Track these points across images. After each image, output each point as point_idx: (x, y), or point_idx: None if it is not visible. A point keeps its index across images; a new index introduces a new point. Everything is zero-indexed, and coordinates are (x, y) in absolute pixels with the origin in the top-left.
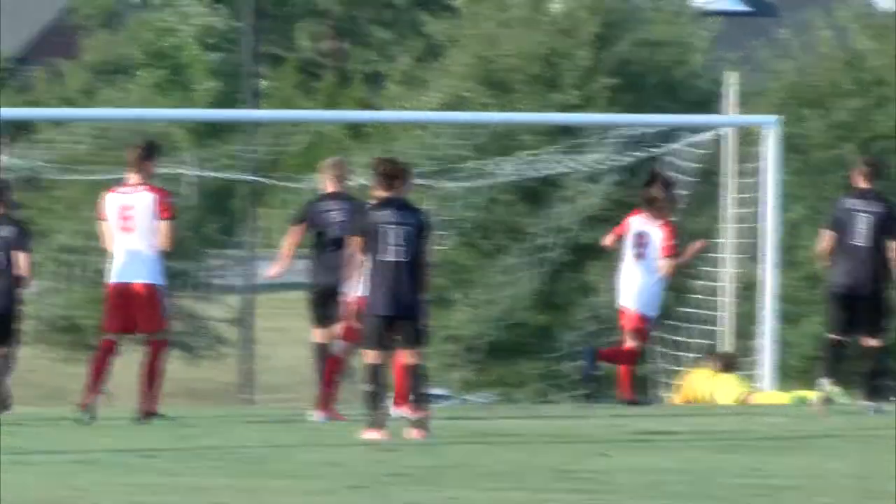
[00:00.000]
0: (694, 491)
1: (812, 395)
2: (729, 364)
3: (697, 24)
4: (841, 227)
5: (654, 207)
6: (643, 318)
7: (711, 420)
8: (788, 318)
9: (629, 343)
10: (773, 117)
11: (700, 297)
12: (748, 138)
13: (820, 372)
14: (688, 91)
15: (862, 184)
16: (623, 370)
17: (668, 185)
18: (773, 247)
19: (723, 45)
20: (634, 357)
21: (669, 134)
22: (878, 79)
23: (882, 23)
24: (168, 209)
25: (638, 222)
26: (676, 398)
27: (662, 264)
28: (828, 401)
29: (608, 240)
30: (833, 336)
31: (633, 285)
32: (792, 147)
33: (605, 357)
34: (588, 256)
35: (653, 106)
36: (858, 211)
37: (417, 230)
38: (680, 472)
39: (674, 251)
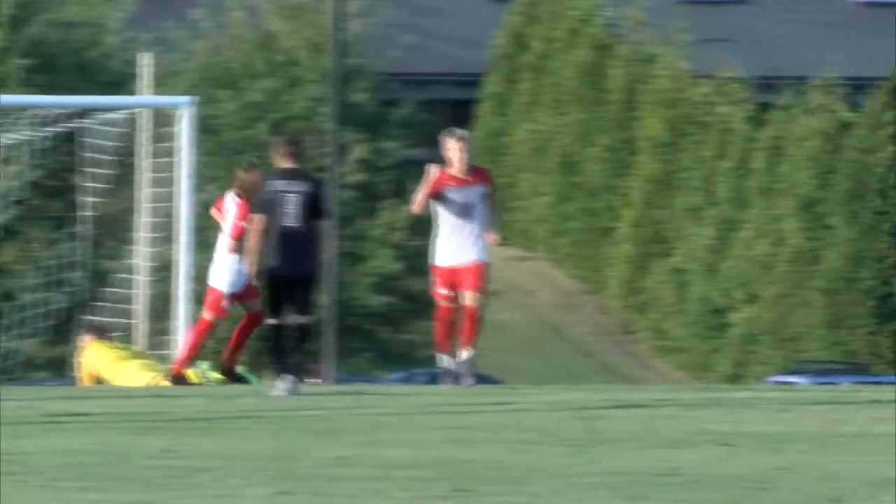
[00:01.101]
0: (111, 472)
1: (214, 375)
2: (101, 334)
3: (111, 4)
4: (271, 209)
5: (244, 190)
6: (217, 294)
7: (126, 402)
8: (201, 299)
9: (204, 316)
10: (187, 98)
11: (117, 277)
12: (163, 119)
13: (266, 355)
14: (102, 71)
15: (286, 163)
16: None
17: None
18: (187, 228)
19: (137, 26)
20: (206, 329)
21: (84, 114)
22: (290, 60)
23: (295, 3)
24: None
25: (228, 202)
26: (83, 378)
27: (229, 243)
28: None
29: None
30: (272, 319)
31: (216, 261)
32: (205, 128)
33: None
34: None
35: (67, 87)
36: (286, 192)
37: None
38: (96, 454)
39: (240, 232)
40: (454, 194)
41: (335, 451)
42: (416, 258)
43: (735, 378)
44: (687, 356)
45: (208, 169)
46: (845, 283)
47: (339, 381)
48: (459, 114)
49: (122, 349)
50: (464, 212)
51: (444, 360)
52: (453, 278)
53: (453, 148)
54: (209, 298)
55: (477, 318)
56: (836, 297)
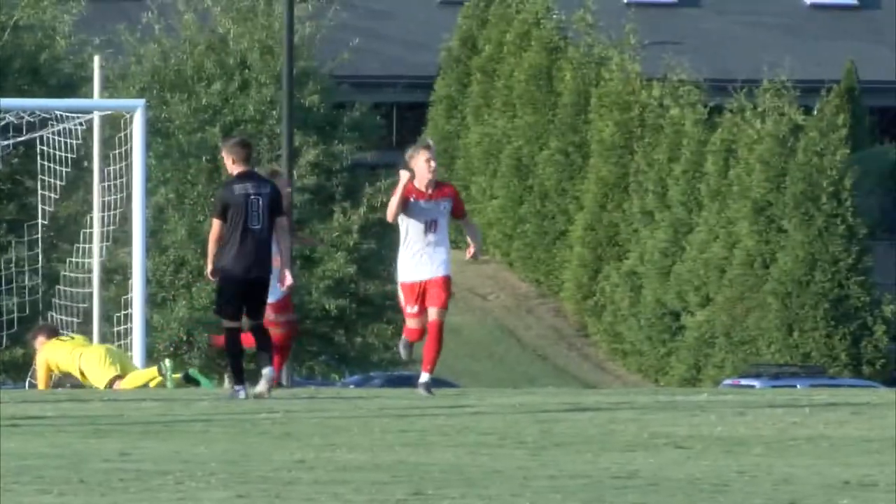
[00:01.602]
0: (68, 476)
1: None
2: (55, 334)
3: (62, 7)
4: (235, 212)
5: None
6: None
7: (82, 405)
8: (155, 301)
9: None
10: (139, 101)
11: (71, 281)
12: (114, 122)
13: (225, 360)
14: (53, 74)
15: (241, 167)
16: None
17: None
18: (141, 231)
19: (87, 28)
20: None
21: (39, 119)
22: (241, 62)
23: (245, 5)
24: None
25: None
26: (41, 379)
27: None
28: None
29: None
30: (231, 323)
31: None
32: (156, 131)
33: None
34: None
35: (18, 91)
36: (251, 194)
37: None
38: (53, 457)
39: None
40: (419, 207)
41: (292, 454)
42: (370, 261)
43: (691, 381)
44: (642, 359)
45: (161, 172)
46: (799, 286)
47: (295, 385)
48: (410, 117)
49: (77, 339)
50: (428, 226)
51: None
52: (420, 293)
53: (423, 159)
54: None
55: (440, 334)
56: (790, 300)
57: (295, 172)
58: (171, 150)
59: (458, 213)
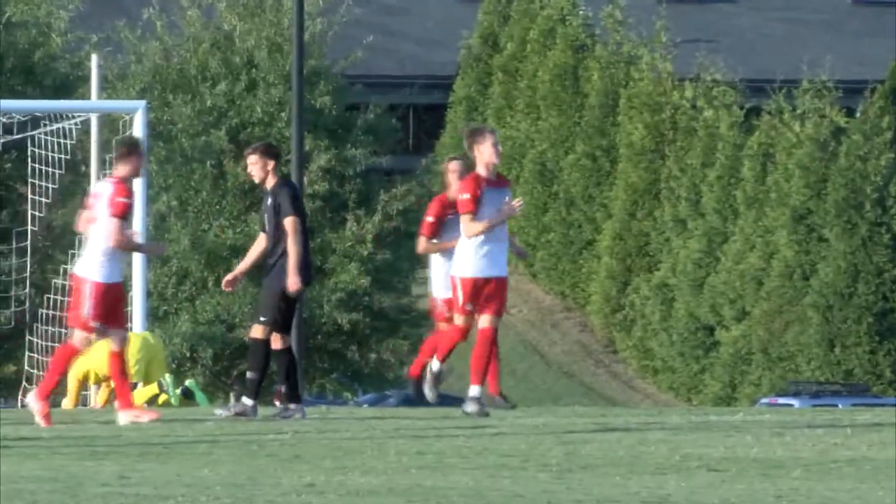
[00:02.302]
0: (63, 500)
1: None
2: None
3: (57, 3)
4: (303, 214)
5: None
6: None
7: (79, 426)
8: (157, 315)
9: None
10: (140, 102)
11: (66, 296)
12: (112, 124)
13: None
14: (48, 74)
15: (277, 172)
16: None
17: None
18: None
19: (85, 25)
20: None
21: (33, 120)
22: (248, 61)
23: (252, 1)
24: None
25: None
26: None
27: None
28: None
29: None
30: (281, 340)
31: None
32: (158, 134)
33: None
34: None
35: (11, 91)
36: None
37: None
38: (48, 481)
39: (431, 230)
40: (490, 195)
41: (302, 477)
42: (385, 272)
43: (725, 400)
44: (674, 377)
45: (163, 178)
46: (841, 299)
47: (305, 404)
48: (428, 119)
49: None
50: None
51: (437, 365)
52: (479, 290)
53: (490, 143)
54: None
55: (491, 344)
56: (831, 313)
57: (305, 178)
58: (173, 154)
59: None
